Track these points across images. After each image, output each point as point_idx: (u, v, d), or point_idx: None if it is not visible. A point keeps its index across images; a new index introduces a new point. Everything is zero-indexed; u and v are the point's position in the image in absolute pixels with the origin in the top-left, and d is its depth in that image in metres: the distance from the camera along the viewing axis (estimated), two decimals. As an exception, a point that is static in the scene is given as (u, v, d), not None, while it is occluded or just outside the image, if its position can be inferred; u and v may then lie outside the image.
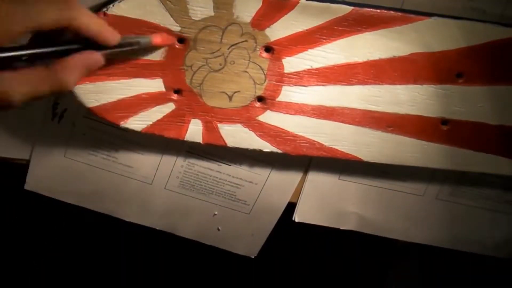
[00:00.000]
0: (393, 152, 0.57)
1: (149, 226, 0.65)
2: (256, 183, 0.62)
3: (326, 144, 0.56)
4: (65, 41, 0.41)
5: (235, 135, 0.54)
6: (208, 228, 0.66)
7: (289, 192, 0.63)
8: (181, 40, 0.49)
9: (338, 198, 0.64)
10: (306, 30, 0.50)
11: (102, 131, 0.58)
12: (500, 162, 0.58)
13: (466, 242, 0.68)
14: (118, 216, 0.63)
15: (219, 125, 0.54)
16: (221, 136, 0.54)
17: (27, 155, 0.58)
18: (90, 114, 0.53)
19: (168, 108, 0.52)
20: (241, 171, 0.61)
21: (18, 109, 0.55)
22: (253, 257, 0.68)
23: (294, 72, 0.52)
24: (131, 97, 0.51)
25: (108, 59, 0.44)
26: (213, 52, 0.50)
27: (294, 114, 0.54)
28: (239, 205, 0.64)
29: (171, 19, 0.48)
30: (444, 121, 0.56)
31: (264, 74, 0.52)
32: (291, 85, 0.53)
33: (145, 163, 0.60)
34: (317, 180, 0.62)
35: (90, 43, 0.42)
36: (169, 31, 0.48)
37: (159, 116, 0.53)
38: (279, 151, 0.56)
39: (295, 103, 0.54)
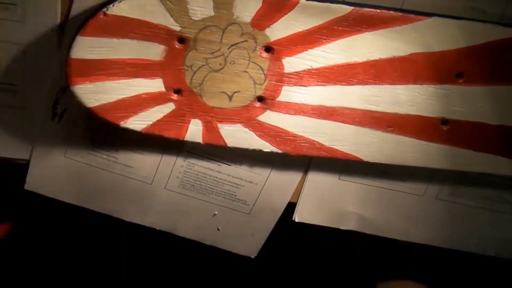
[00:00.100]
0: (393, 152, 0.57)
1: (149, 226, 0.65)
2: (256, 183, 0.62)
3: (326, 144, 0.56)
4: None
5: (235, 135, 0.54)
6: (208, 228, 0.66)
7: (289, 192, 0.63)
8: (181, 40, 0.49)
9: (338, 198, 0.64)
10: (306, 30, 0.50)
11: (102, 131, 0.58)
12: (500, 162, 0.58)
13: (466, 242, 0.68)
14: (118, 216, 0.64)
15: (219, 125, 0.54)
16: (221, 136, 0.54)
17: (27, 155, 0.58)
18: (90, 114, 0.53)
19: (168, 108, 0.52)
20: (241, 171, 0.61)
21: (17, 109, 0.56)
22: (253, 257, 0.68)
23: (294, 72, 0.52)
24: (131, 97, 0.51)
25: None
26: (213, 52, 0.50)
27: (294, 114, 0.54)
28: (239, 205, 0.64)
29: (171, 19, 0.48)
30: (444, 121, 0.56)
31: (264, 74, 0.52)
32: (291, 85, 0.53)
33: (145, 163, 0.60)
34: (317, 180, 0.62)
35: None
36: (169, 31, 0.48)
37: (159, 116, 0.53)
38: (279, 151, 0.56)
39: (295, 103, 0.54)
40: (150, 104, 0.52)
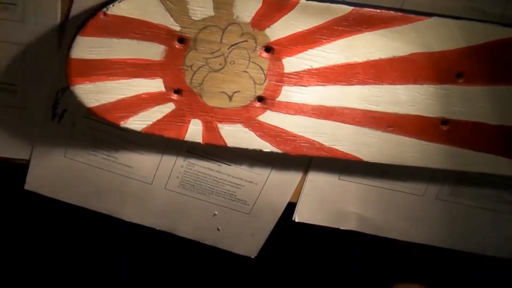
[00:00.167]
0: (393, 152, 0.57)
1: (149, 226, 0.65)
2: (256, 183, 0.62)
3: (326, 144, 0.56)
4: None
5: (235, 135, 0.54)
6: (208, 228, 0.66)
7: (289, 192, 0.63)
8: (181, 40, 0.49)
9: (338, 198, 0.64)
10: (306, 30, 0.50)
11: (102, 131, 0.58)
12: (500, 162, 0.58)
13: (466, 242, 0.68)
14: (118, 216, 0.64)
15: (219, 125, 0.54)
16: (221, 136, 0.54)
17: (27, 155, 0.58)
18: (90, 114, 0.53)
19: (168, 108, 0.52)
20: (241, 171, 0.61)
21: (17, 109, 0.56)
22: (253, 257, 0.68)
23: (294, 72, 0.52)
24: (131, 97, 0.51)
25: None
26: (213, 52, 0.50)
27: (294, 114, 0.54)
28: (239, 205, 0.64)
29: (171, 19, 0.48)
30: (444, 121, 0.56)
31: (264, 74, 0.52)
32: (291, 85, 0.53)
33: (145, 163, 0.60)
34: (317, 180, 0.62)
35: None
36: (169, 31, 0.48)
37: (159, 116, 0.53)
38: (279, 151, 0.56)
39: (295, 103, 0.54)
40: (150, 104, 0.52)
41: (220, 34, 0.49)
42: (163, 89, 0.51)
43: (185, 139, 0.54)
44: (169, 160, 0.60)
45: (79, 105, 0.50)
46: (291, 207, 0.64)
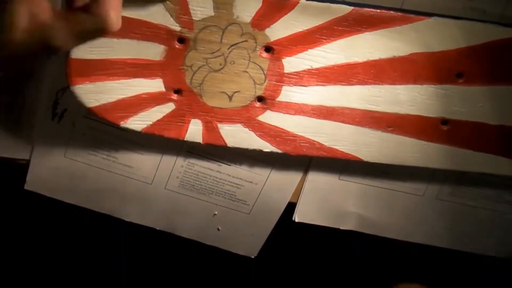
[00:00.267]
0: (393, 152, 0.57)
1: (149, 226, 0.65)
2: (256, 183, 0.62)
3: (326, 144, 0.56)
4: None
5: (235, 135, 0.54)
6: (208, 228, 0.66)
7: (289, 192, 0.63)
8: (181, 40, 0.49)
9: (338, 198, 0.64)
10: (306, 30, 0.50)
11: (102, 131, 0.58)
12: (500, 162, 0.58)
13: (466, 242, 0.68)
14: (118, 216, 0.64)
15: (219, 125, 0.54)
16: (221, 136, 0.54)
17: (27, 155, 0.58)
18: (90, 114, 0.53)
19: (168, 108, 0.52)
20: (241, 171, 0.61)
21: (17, 109, 0.56)
22: (253, 257, 0.68)
23: (294, 72, 0.52)
24: (131, 97, 0.51)
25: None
26: (213, 52, 0.50)
27: (294, 114, 0.54)
28: (239, 205, 0.64)
29: (171, 19, 0.48)
30: (444, 121, 0.56)
31: (264, 74, 0.52)
32: (291, 85, 0.53)
33: (145, 163, 0.60)
34: (317, 180, 0.62)
35: None
36: (169, 31, 0.48)
37: (159, 116, 0.53)
38: (279, 151, 0.56)
39: (295, 103, 0.54)
40: (150, 104, 0.52)
41: (220, 34, 0.49)
42: (163, 89, 0.51)
43: (185, 139, 0.54)
44: (169, 160, 0.60)
45: (79, 105, 0.50)
46: (291, 207, 0.64)
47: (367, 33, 0.51)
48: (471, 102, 0.55)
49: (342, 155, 0.56)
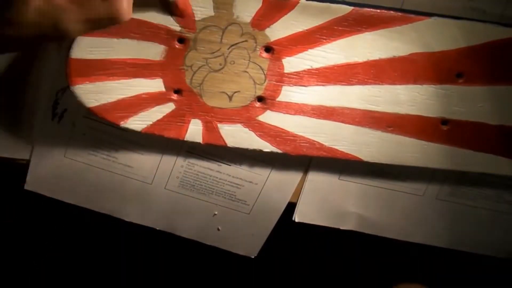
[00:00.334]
0: (393, 152, 0.57)
1: (149, 226, 0.65)
2: (256, 183, 0.62)
3: (326, 144, 0.56)
4: None
5: (235, 135, 0.54)
6: (208, 228, 0.66)
7: (289, 192, 0.63)
8: (181, 40, 0.49)
9: (338, 198, 0.64)
10: (306, 30, 0.50)
11: (102, 131, 0.58)
12: (500, 162, 0.58)
13: (466, 242, 0.68)
14: (118, 216, 0.63)
15: (219, 125, 0.54)
16: (221, 136, 0.54)
17: (27, 155, 0.58)
18: (90, 114, 0.53)
19: (168, 108, 0.52)
20: (241, 171, 0.61)
21: (17, 109, 0.56)
22: (253, 257, 0.68)
23: (294, 72, 0.52)
24: (131, 97, 0.51)
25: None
26: (213, 52, 0.50)
27: (294, 114, 0.54)
28: (239, 205, 0.64)
29: (171, 19, 0.48)
30: (444, 121, 0.56)
31: (264, 74, 0.52)
32: (291, 85, 0.53)
33: (145, 163, 0.60)
34: (317, 180, 0.62)
35: None
36: (169, 31, 0.48)
37: (159, 116, 0.53)
38: (279, 151, 0.56)
39: (295, 103, 0.54)
40: (150, 104, 0.52)
41: (220, 34, 0.49)
42: (163, 89, 0.51)
43: (185, 139, 0.54)
44: (169, 160, 0.60)
45: (79, 105, 0.50)
46: (291, 207, 0.64)
47: (367, 33, 0.51)
48: (471, 102, 0.55)
49: (342, 155, 0.56)
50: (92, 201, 0.62)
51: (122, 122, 0.52)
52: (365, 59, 0.52)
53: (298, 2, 0.49)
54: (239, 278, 0.85)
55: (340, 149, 0.56)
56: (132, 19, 0.47)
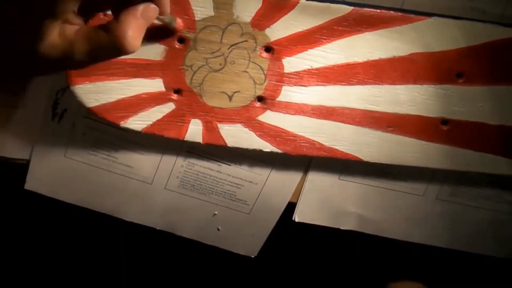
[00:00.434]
0: (393, 152, 0.57)
1: (149, 226, 0.65)
2: (256, 183, 0.62)
3: (326, 144, 0.56)
4: None
5: (235, 135, 0.54)
6: (208, 228, 0.66)
7: (289, 192, 0.63)
8: (181, 40, 0.49)
9: (338, 198, 0.64)
10: (306, 30, 0.50)
11: (102, 131, 0.58)
12: (500, 162, 0.58)
13: (466, 242, 0.68)
14: (118, 216, 0.64)
15: (219, 125, 0.54)
16: (221, 136, 0.54)
17: (27, 155, 0.58)
18: (90, 114, 0.53)
19: (168, 108, 0.52)
20: (241, 171, 0.61)
21: (17, 109, 0.56)
22: (253, 257, 0.68)
23: (294, 72, 0.52)
24: (131, 97, 0.51)
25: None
26: (213, 52, 0.50)
27: (294, 114, 0.54)
28: (239, 205, 0.64)
29: (171, 19, 0.48)
30: (444, 121, 0.56)
31: (264, 74, 0.52)
32: (291, 85, 0.53)
33: (145, 163, 0.60)
34: (317, 180, 0.62)
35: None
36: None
37: (159, 116, 0.53)
38: (279, 151, 0.56)
39: (295, 103, 0.54)
40: (150, 104, 0.52)
41: (220, 34, 0.49)
42: (163, 89, 0.51)
43: (185, 139, 0.54)
44: (169, 160, 0.60)
45: (79, 105, 0.50)
46: (291, 207, 0.64)
47: (367, 33, 0.51)
48: (471, 102, 0.55)
49: (342, 155, 0.56)
50: (92, 201, 0.62)
51: (122, 122, 0.52)
52: (365, 59, 0.52)
53: (298, 2, 0.49)
54: (239, 278, 0.85)
55: (340, 149, 0.56)
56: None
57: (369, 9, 0.50)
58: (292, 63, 0.52)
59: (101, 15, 0.46)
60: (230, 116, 0.54)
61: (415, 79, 0.53)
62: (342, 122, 0.55)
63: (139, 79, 0.50)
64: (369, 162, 0.57)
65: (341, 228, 0.66)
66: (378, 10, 0.50)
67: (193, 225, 0.65)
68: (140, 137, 0.57)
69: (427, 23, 0.51)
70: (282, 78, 0.52)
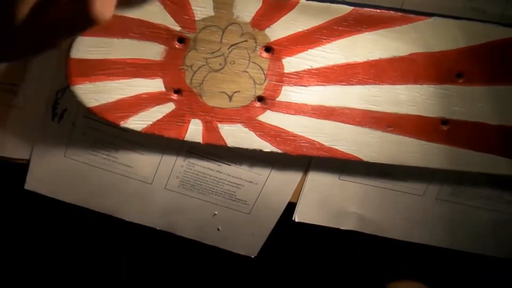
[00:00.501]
0: (393, 152, 0.57)
1: (149, 226, 0.65)
2: (256, 183, 0.62)
3: (326, 144, 0.56)
4: None
5: (235, 135, 0.54)
6: (208, 228, 0.66)
7: (289, 192, 0.63)
8: (181, 40, 0.49)
9: (338, 198, 0.64)
10: (306, 30, 0.50)
11: (102, 131, 0.58)
12: (500, 162, 0.58)
13: (466, 242, 0.68)
14: (118, 216, 0.63)
15: (219, 125, 0.54)
16: (221, 136, 0.54)
17: (27, 155, 0.58)
18: (90, 114, 0.53)
19: (168, 108, 0.52)
20: (241, 171, 0.61)
21: (17, 109, 0.56)
22: (253, 257, 0.68)
23: (294, 72, 0.52)
24: (131, 97, 0.51)
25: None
26: (213, 52, 0.50)
27: (294, 114, 0.54)
28: (239, 205, 0.64)
29: (172, 19, 0.48)
30: (444, 121, 0.56)
31: (264, 74, 0.52)
32: (291, 85, 0.53)
33: (145, 163, 0.60)
34: (317, 180, 0.62)
35: None
36: (169, 31, 0.48)
37: (159, 116, 0.53)
38: (279, 151, 0.56)
39: (295, 103, 0.54)
40: (150, 104, 0.52)
41: (220, 34, 0.49)
42: (163, 89, 0.51)
43: (185, 139, 0.54)
44: (169, 160, 0.60)
45: (79, 105, 0.50)
46: (291, 207, 0.64)
47: (367, 33, 0.51)
48: (471, 102, 0.55)
49: (342, 155, 0.56)
50: (92, 201, 0.62)
51: (122, 122, 0.52)
52: (365, 59, 0.52)
53: (298, 2, 0.49)
54: (239, 278, 0.85)
55: (340, 149, 0.56)
56: (132, 19, 0.47)
57: (369, 9, 0.50)
58: (292, 63, 0.52)
59: (101, 15, 0.46)
60: (230, 116, 0.54)
61: (415, 79, 0.53)
62: (342, 122, 0.55)
63: (139, 79, 0.50)
64: (369, 162, 0.57)
65: (341, 228, 0.66)
66: (378, 10, 0.50)
67: (193, 225, 0.65)
68: (140, 137, 0.57)
69: (427, 23, 0.51)
70: (282, 78, 0.52)
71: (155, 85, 0.51)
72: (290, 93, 0.53)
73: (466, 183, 0.64)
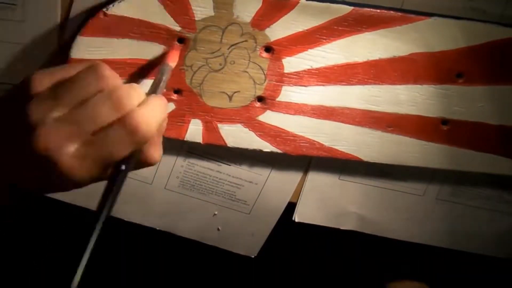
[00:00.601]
0: (393, 152, 0.57)
1: (149, 226, 0.65)
2: (256, 183, 0.62)
3: (326, 144, 0.56)
4: None
5: (235, 135, 0.54)
6: (208, 228, 0.66)
7: (289, 192, 0.63)
8: (181, 40, 0.49)
9: (338, 198, 0.64)
10: (306, 30, 0.50)
11: (102, 131, 0.57)
12: (500, 162, 0.58)
13: (466, 242, 0.67)
14: (118, 216, 0.63)
15: (219, 125, 0.54)
16: (221, 136, 0.54)
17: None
18: (90, 114, 0.52)
19: (168, 108, 0.52)
20: (241, 171, 0.61)
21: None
22: (253, 257, 0.68)
23: (294, 72, 0.52)
24: (131, 97, 0.51)
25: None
26: (213, 52, 0.50)
27: (294, 114, 0.54)
28: (239, 205, 0.64)
29: (171, 19, 0.48)
30: (444, 121, 0.56)
31: (264, 74, 0.52)
32: (291, 85, 0.53)
33: (145, 163, 0.60)
34: (317, 180, 0.62)
35: None
36: (169, 31, 0.48)
37: (159, 116, 0.52)
38: (279, 151, 0.56)
39: (295, 103, 0.54)
40: (150, 104, 0.52)
41: (220, 34, 0.49)
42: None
43: (185, 139, 0.54)
44: (169, 160, 0.60)
45: (79, 105, 0.50)
46: (291, 207, 0.64)
47: (367, 33, 0.51)
48: (471, 102, 0.55)
49: (342, 155, 0.56)
50: (92, 201, 0.62)
51: (122, 122, 0.52)
52: (365, 59, 0.52)
53: (298, 2, 0.49)
54: (239, 278, 0.84)
55: (340, 149, 0.56)
56: (132, 19, 0.47)
57: (369, 9, 0.50)
58: (292, 63, 0.52)
59: (101, 14, 0.46)
60: (230, 116, 0.54)
61: (415, 79, 0.53)
62: (342, 122, 0.55)
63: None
64: (369, 162, 0.57)
65: (341, 228, 0.66)
66: (378, 10, 0.50)
67: (193, 225, 0.65)
68: (140, 137, 0.57)
69: (427, 23, 0.51)
70: (282, 78, 0.52)
71: (155, 85, 0.51)
72: (290, 93, 0.53)
73: (466, 183, 0.64)
